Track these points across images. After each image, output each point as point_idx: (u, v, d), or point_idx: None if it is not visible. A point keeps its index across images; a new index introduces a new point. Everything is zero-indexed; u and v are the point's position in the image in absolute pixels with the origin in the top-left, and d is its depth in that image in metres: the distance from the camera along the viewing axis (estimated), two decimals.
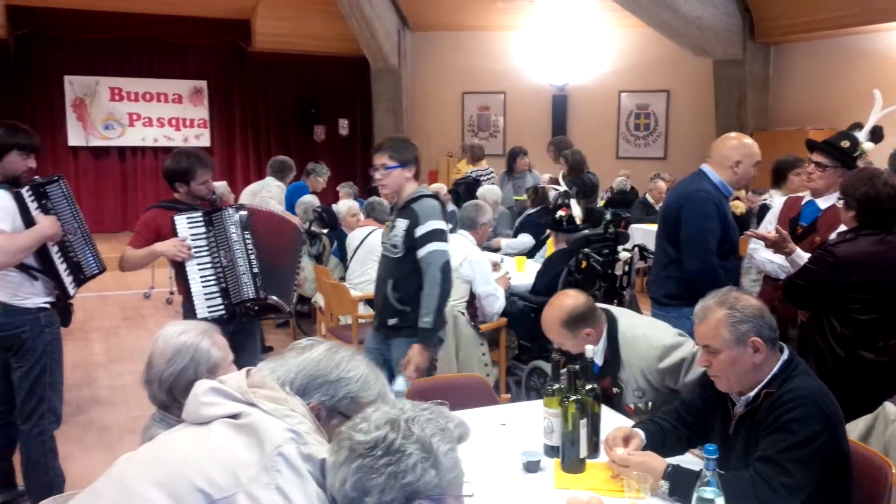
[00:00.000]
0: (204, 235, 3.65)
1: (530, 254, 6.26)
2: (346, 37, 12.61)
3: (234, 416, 1.52)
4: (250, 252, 3.65)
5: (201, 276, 3.65)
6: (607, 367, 2.94)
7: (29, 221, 3.29)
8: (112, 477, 1.53)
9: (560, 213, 5.25)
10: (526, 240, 6.64)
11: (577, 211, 5.36)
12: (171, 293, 8.09)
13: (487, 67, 12.77)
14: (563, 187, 5.84)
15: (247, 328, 3.81)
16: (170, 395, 2.09)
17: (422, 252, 3.41)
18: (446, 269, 3.43)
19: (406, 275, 3.48)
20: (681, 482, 2.09)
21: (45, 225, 3.30)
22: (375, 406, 1.51)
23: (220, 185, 7.52)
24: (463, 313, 4.56)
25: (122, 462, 1.57)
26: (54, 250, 3.40)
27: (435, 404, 1.52)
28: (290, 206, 7.20)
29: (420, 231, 3.41)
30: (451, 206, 8.11)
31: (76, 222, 3.52)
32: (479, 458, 2.26)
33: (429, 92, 13.12)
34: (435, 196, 3.56)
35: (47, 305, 3.45)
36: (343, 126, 13.95)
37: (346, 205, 6.78)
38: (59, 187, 3.47)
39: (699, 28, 10.30)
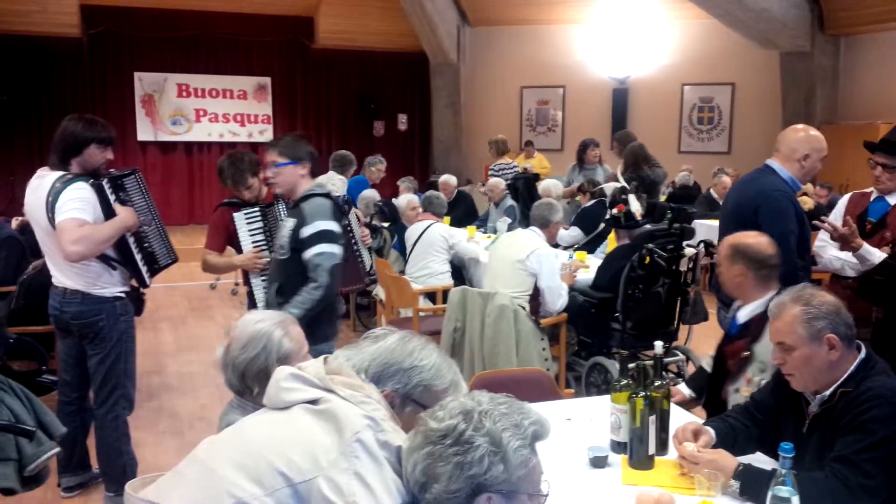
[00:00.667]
0: (261, 230, 3.80)
1: (591, 249, 6.21)
2: (406, 33, 12.70)
3: (313, 402, 1.57)
4: None
5: (263, 277, 3.78)
6: (748, 330, 2.85)
7: (108, 213, 3.38)
8: (196, 459, 1.58)
9: (614, 210, 5.19)
10: (575, 233, 6.60)
11: (635, 206, 5.30)
12: (236, 284, 8.29)
13: (547, 61, 12.69)
14: (621, 183, 5.78)
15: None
16: (242, 381, 2.15)
17: (308, 254, 3.19)
18: (335, 273, 3.22)
19: (291, 278, 3.26)
20: (752, 482, 2.07)
21: (125, 216, 3.40)
22: (455, 396, 1.53)
23: None
24: (524, 307, 4.56)
25: (205, 445, 1.63)
26: (131, 241, 3.49)
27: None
28: (352, 198, 7.30)
29: (306, 232, 3.20)
30: (509, 202, 8.10)
31: (150, 214, 3.62)
32: (544, 452, 2.27)
33: (487, 87, 13.11)
34: (328, 195, 3.35)
35: (122, 294, 3.55)
36: (402, 121, 14.06)
37: (405, 199, 6.83)
38: (135, 180, 3.58)
39: (766, 20, 10.05)
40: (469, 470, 1.39)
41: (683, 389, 3.16)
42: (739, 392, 2.78)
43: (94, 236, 3.29)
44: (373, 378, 1.70)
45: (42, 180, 3.40)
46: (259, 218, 3.82)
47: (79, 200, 3.30)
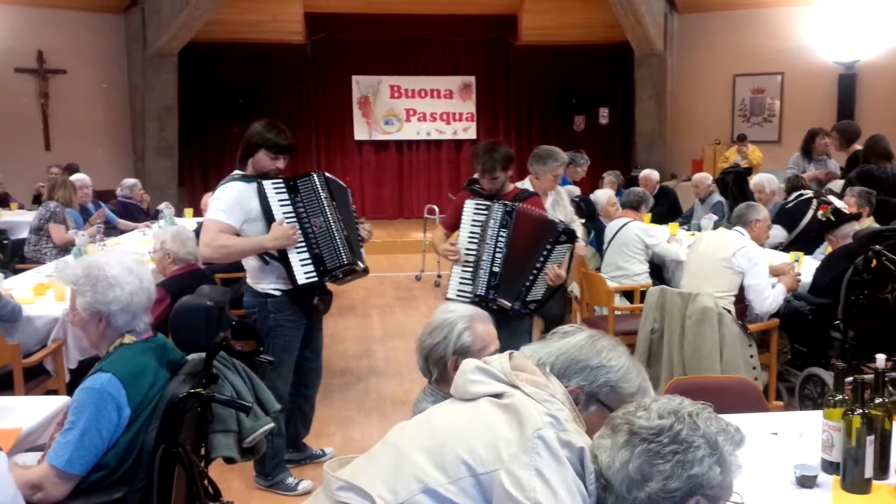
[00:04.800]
0: (480, 224, 3.81)
1: (808, 250, 5.73)
2: (609, 24, 12.44)
3: (497, 396, 1.59)
4: (498, 251, 3.74)
5: (464, 266, 3.82)
6: None
7: (267, 210, 3.47)
8: (388, 442, 1.67)
9: (819, 211, 4.76)
10: (777, 231, 6.07)
11: (840, 202, 4.84)
12: (439, 276, 8.60)
13: (763, 47, 11.86)
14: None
15: (510, 325, 3.73)
16: (426, 364, 2.32)
17: None
18: None
19: None
20: None
21: (267, 240, 3.45)
22: (652, 397, 1.51)
23: None
24: (729, 311, 4.31)
25: (398, 429, 1.71)
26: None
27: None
28: None
29: None
30: (716, 197, 7.68)
31: (323, 217, 3.59)
32: (747, 466, 2.15)
33: (696, 76, 12.51)
34: None
35: (277, 293, 3.59)
36: (603, 115, 13.80)
37: (605, 194, 6.69)
38: (310, 182, 3.59)
39: None
40: (690, 469, 1.38)
41: None
42: None
43: (227, 246, 3.45)
44: (558, 373, 1.70)
45: None
46: (485, 211, 3.82)
47: (222, 201, 3.47)
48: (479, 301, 3.70)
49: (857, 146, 6.86)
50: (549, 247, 3.70)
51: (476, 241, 3.81)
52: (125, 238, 7.14)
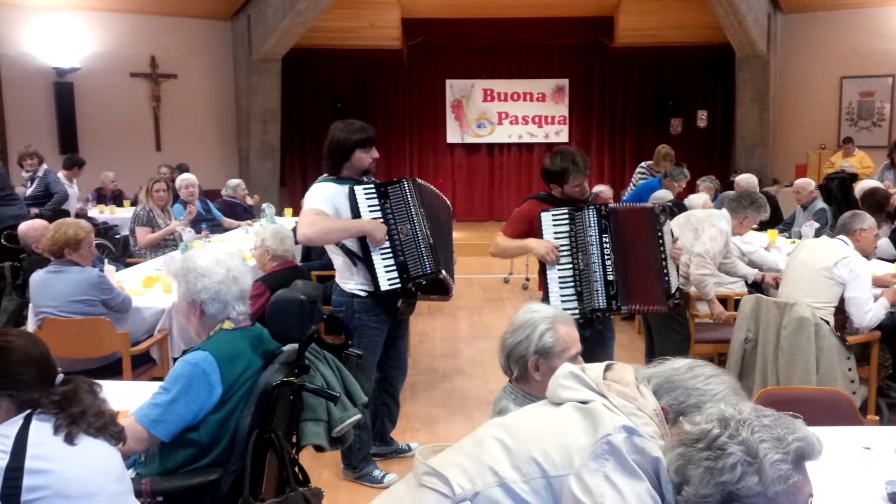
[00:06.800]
0: (566, 234, 3.65)
1: None
2: (709, 25, 12.12)
3: (583, 403, 1.61)
4: (606, 257, 3.60)
5: (560, 277, 3.65)
6: None
7: (356, 214, 3.57)
8: (475, 436, 1.72)
9: None
10: (883, 244, 5.68)
11: None
12: (527, 279, 8.60)
13: (873, 48, 11.29)
14: None
15: (602, 336, 3.75)
16: (506, 362, 2.36)
17: None
18: None
19: None
20: None
21: (364, 223, 3.55)
22: (716, 402, 1.51)
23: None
24: (827, 322, 4.16)
25: (486, 425, 1.76)
26: (378, 246, 3.59)
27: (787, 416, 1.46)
28: (638, 201, 7.18)
29: None
30: (819, 204, 7.39)
31: (410, 225, 3.62)
32: (834, 481, 2.10)
33: (801, 78, 12.02)
34: None
35: (363, 293, 3.67)
36: (701, 118, 13.44)
37: (700, 199, 6.53)
38: (400, 189, 3.64)
39: None
40: (720, 476, 1.37)
41: None
42: None
43: (325, 224, 3.56)
44: (654, 388, 1.70)
45: None
46: (566, 221, 3.66)
47: (318, 194, 3.62)
48: (596, 315, 3.59)
49: None
50: (660, 234, 3.66)
51: (568, 253, 3.64)
52: (229, 235, 7.48)
